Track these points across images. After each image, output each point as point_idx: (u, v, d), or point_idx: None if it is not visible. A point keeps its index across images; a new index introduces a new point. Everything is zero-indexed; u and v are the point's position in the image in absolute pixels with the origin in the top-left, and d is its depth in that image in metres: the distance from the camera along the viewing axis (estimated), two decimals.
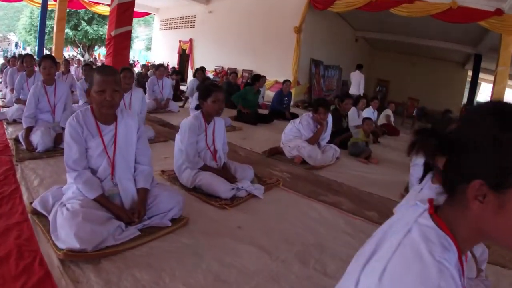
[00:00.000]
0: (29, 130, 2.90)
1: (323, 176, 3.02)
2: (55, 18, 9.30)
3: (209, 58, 10.48)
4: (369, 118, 4.12)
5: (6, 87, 5.49)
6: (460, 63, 13.39)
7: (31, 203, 1.72)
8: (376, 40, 13.01)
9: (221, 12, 10.21)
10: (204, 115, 2.30)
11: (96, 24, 17.69)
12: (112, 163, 1.68)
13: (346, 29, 11.38)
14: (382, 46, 14.07)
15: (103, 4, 12.34)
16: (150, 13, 13.71)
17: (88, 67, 4.78)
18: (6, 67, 9.27)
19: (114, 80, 1.61)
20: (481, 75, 11.67)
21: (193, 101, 5.85)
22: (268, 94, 7.84)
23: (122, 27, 4.80)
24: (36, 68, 5.02)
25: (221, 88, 2.38)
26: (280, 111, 6.03)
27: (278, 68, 8.61)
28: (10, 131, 3.47)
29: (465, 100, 15.46)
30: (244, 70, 9.45)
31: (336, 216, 2.21)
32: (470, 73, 13.38)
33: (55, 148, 2.86)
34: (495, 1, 6.27)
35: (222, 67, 9.83)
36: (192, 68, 10.88)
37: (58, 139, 2.88)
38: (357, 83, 8.27)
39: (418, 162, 2.22)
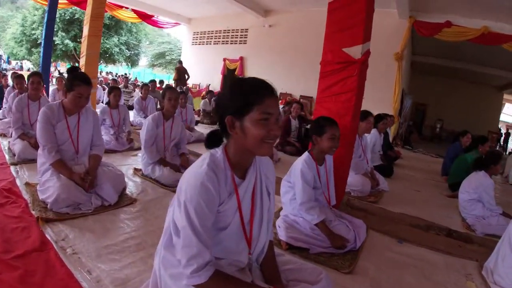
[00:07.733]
0: None
1: None
2: (88, 16, 5.61)
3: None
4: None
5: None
6: (498, 87, 13.54)
7: None
8: (421, 64, 12.27)
9: (285, 27, 8.53)
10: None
11: (103, 36, 15.01)
12: None
13: (409, 54, 10.35)
14: (422, 70, 13.43)
15: (126, 8, 10.23)
16: (178, 23, 11.54)
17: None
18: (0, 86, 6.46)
19: None
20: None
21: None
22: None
23: (368, 41, 2.59)
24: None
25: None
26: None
27: (372, 100, 7.15)
28: None
29: (499, 123, 15.82)
30: None
31: None
32: (505, 96, 14.52)
33: None
34: None
35: (291, 95, 8.22)
36: None
37: None
38: None
39: None
